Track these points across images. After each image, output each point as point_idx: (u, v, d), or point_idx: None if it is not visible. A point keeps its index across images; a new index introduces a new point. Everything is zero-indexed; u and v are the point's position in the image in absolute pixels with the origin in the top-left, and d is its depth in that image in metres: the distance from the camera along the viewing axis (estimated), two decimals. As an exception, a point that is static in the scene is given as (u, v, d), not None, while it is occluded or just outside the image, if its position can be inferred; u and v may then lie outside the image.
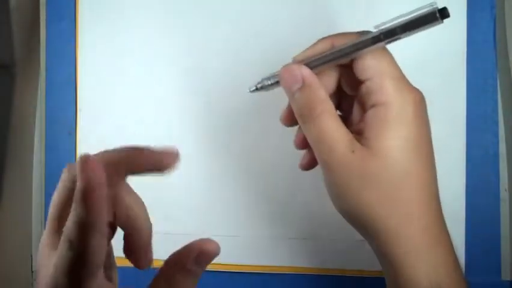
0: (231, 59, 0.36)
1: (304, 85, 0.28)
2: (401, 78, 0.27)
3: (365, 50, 0.26)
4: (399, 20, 0.25)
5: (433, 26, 0.24)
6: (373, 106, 0.26)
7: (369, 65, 0.26)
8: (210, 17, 0.36)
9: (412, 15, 0.24)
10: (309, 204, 0.36)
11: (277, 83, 0.29)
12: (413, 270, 0.26)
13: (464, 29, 0.35)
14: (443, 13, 0.24)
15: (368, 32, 0.26)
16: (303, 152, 0.36)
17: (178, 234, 0.36)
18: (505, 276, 0.36)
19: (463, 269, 0.35)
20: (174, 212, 0.36)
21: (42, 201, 0.38)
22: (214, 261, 0.36)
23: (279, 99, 0.36)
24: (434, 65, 0.35)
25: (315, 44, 0.28)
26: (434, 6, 0.24)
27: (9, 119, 0.37)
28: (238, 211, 0.36)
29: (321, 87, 0.28)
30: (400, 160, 0.26)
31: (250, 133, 0.36)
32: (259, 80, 0.30)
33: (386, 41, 0.25)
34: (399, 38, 0.25)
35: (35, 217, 0.39)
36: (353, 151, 0.26)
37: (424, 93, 0.35)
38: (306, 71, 0.28)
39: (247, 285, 0.37)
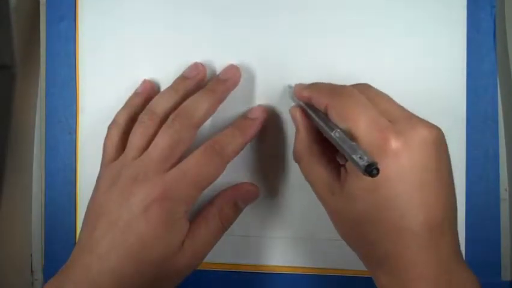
0: (236, 53, 0.36)
1: (296, 129, 0.32)
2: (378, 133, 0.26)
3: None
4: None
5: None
6: None
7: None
8: (215, 13, 0.36)
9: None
10: (309, 204, 0.36)
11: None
12: None
13: (464, 29, 0.35)
14: (370, 171, 0.23)
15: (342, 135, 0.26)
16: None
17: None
18: (505, 276, 0.36)
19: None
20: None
21: (42, 201, 0.38)
22: (214, 260, 0.36)
23: (279, 98, 0.36)
24: (434, 65, 0.35)
25: (303, 89, 0.31)
26: (365, 163, 0.24)
27: (9, 119, 0.37)
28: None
29: (307, 131, 0.31)
30: (364, 204, 0.26)
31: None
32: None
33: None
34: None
35: (35, 217, 0.39)
36: (333, 193, 0.28)
37: (424, 94, 0.35)
38: (297, 115, 0.31)
39: (247, 285, 0.37)
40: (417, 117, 0.27)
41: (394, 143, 0.25)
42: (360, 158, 0.24)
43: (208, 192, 0.32)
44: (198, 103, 0.32)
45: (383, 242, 0.26)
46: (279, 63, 0.36)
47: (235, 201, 0.34)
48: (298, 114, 0.31)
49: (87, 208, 0.32)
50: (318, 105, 0.29)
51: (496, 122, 0.36)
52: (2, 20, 0.35)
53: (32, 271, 0.39)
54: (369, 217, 0.26)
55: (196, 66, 0.35)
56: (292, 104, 0.33)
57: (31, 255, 0.39)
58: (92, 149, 0.36)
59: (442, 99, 0.35)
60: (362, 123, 0.26)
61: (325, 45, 0.36)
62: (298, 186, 0.36)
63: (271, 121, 0.36)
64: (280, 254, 0.36)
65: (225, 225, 0.33)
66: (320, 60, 0.35)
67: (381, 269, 0.27)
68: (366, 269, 0.35)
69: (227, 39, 0.36)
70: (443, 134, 0.27)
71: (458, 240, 0.27)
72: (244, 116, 0.34)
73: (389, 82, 0.35)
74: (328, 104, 0.28)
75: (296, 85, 0.33)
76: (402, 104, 0.28)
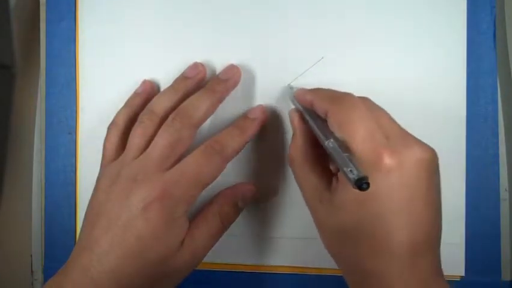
0: (236, 53, 0.36)
1: (293, 133, 0.31)
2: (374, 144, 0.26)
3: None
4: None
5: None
6: None
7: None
8: (215, 13, 0.36)
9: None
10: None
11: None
12: None
13: (464, 29, 0.35)
14: (360, 184, 0.23)
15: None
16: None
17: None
18: (505, 276, 0.36)
19: (463, 270, 0.35)
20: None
21: (42, 201, 0.38)
22: (214, 260, 0.36)
23: (279, 98, 0.36)
24: (434, 65, 0.35)
25: (307, 93, 0.31)
26: (356, 176, 0.24)
27: (9, 119, 0.37)
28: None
29: (304, 136, 0.30)
30: (351, 217, 0.26)
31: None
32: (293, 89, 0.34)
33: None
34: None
35: (35, 217, 0.39)
36: (321, 201, 0.28)
37: (424, 94, 0.35)
38: (295, 119, 0.31)
39: (247, 285, 0.37)
40: (413, 137, 0.27)
41: (387, 160, 0.25)
42: (350, 171, 0.24)
43: (208, 192, 0.32)
44: (198, 103, 0.32)
45: (365, 258, 0.26)
46: (279, 63, 0.36)
47: (235, 201, 0.34)
48: (296, 118, 0.31)
49: (87, 208, 0.32)
50: (320, 111, 0.29)
51: (496, 122, 0.36)
52: (2, 20, 0.35)
53: (32, 271, 0.39)
54: (354, 231, 0.26)
55: (196, 66, 0.35)
56: (291, 104, 0.33)
57: (31, 255, 0.39)
58: (92, 149, 0.36)
59: (442, 99, 0.35)
60: (358, 136, 0.26)
61: (325, 45, 0.36)
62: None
63: (271, 121, 0.36)
64: (280, 254, 0.36)
65: (225, 224, 0.33)
66: (321, 60, 0.35)
67: (361, 285, 0.27)
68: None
69: (227, 39, 0.36)
70: (436, 155, 0.27)
71: (439, 258, 0.27)
72: (244, 116, 0.34)
73: (389, 82, 0.35)
74: (329, 110, 0.28)
75: (298, 89, 0.32)
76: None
